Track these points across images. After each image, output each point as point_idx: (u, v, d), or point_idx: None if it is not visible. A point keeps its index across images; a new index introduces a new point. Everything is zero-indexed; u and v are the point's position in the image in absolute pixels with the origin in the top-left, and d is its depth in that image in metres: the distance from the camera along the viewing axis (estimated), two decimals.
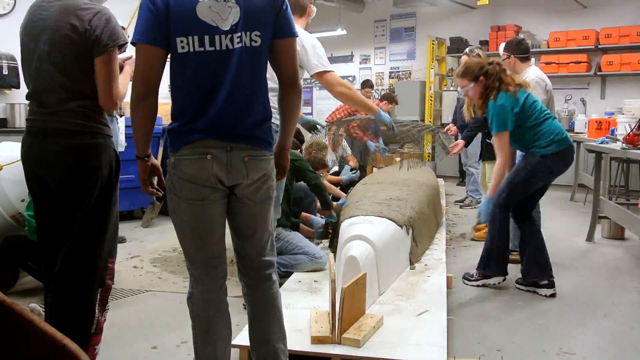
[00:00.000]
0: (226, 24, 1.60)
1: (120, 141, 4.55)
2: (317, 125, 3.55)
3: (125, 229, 4.23)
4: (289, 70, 1.76)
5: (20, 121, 5.16)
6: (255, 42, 1.63)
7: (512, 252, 3.53)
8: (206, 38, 1.59)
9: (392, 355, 2.15)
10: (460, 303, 3.09)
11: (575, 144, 3.19)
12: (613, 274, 3.72)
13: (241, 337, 2.31)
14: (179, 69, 1.64)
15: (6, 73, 5.11)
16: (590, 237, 4.64)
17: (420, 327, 2.43)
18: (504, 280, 3.31)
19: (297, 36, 1.75)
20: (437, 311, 2.61)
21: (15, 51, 5.20)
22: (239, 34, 1.61)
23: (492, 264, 3.28)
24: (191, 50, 1.60)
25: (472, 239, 4.53)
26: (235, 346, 2.27)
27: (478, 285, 3.32)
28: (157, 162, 1.83)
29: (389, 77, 10.14)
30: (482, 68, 3.16)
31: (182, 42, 1.60)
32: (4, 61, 5.11)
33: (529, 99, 3.15)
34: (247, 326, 2.40)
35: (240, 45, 1.61)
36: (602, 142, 4.44)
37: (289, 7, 1.71)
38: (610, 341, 2.63)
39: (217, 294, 1.79)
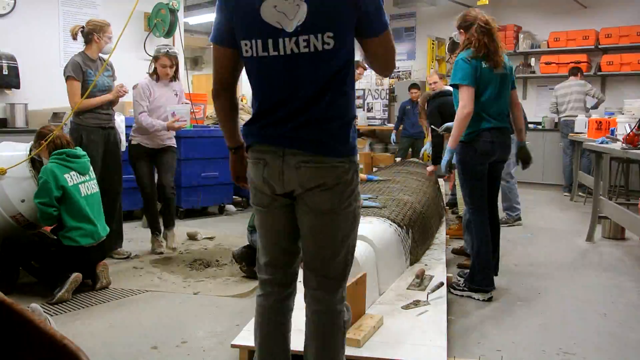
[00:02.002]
0: (291, 25, 1.45)
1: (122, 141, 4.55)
2: None
3: (125, 228, 4.23)
4: (382, 66, 1.62)
5: (21, 121, 5.15)
6: (328, 44, 1.46)
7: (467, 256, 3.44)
8: (269, 42, 1.48)
9: (392, 355, 2.15)
10: (460, 303, 3.09)
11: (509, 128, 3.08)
12: (613, 274, 3.72)
13: (241, 337, 2.31)
14: (248, 72, 1.60)
15: (6, 73, 5.09)
16: (590, 237, 4.64)
17: (420, 327, 2.43)
18: (489, 298, 3.09)
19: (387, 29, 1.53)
20: (437, 311, 2.61)
21: (16, 51, 5.20)
22: (305, 37, 1.45)
23: (478, 277, 3.10)
24: (254, 55, 1.51)
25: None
26: (235, 346, 2.27)
27: (462, 296, 3.14)
28: None
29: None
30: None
31: (245, 45, 1.51)
32: (4, 61, 5.09)
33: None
34: (247, 326, 2.41)
35: (307, 50, 1.46)
36: (602, 142, 4.44)
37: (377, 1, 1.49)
38: (610, 341, 2.63)
39: (270, 302, 1.71)
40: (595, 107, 7.01)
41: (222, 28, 1.56)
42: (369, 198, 3.72)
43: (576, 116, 6.54)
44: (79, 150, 3.32)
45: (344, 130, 1.54)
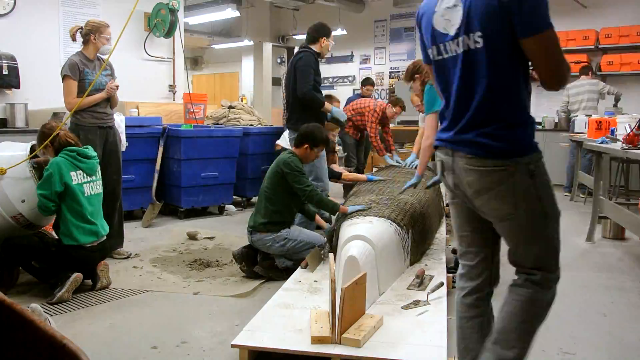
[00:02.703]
0: (453, 29, 1.63)
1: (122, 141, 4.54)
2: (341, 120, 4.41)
3: (125, 228, 4.23)
4: (541, 70, 1.59)
5: (21, 121, 5.15)
6: (478, 43, 1.57)
7: None
8: (441, 46, 1.69)
9: (392, 355, 2.15)
10: None
11: None
12: (613, 274, 3.72)
13: (241, 337, 2.31)
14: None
15: (6, 73, 5.10)
16: (590, 237, 4.64)
17: (420, 327, 2.43)
18: None
19: (544, 30, 1.50)
20: (437, 311, 2.61)
21: (16, 51, 5.20)
22: (461, 38, 1.61)
23: None
24: (434, 59, 1.74)
25: None
26: (235, 346, 2.27)
27: (453, 287, 3.26)
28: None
29: (389, 77, 10.15)
30: (415, 66, 3.57)
31: (431, 51, 1.75)
32: (4, 61, 5.10)
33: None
34: (247, 326, 2.41)
35: (462, 49, 1.62)
36: (602, 142, 4.44)
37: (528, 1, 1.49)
38: (610, 341, 2.63)
39: (463, 295, 1.95)
40: (615, 104, 6.97)
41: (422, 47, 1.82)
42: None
43: (590, 116, 6.43)
44: (91, 151, 3.34)
45: None
